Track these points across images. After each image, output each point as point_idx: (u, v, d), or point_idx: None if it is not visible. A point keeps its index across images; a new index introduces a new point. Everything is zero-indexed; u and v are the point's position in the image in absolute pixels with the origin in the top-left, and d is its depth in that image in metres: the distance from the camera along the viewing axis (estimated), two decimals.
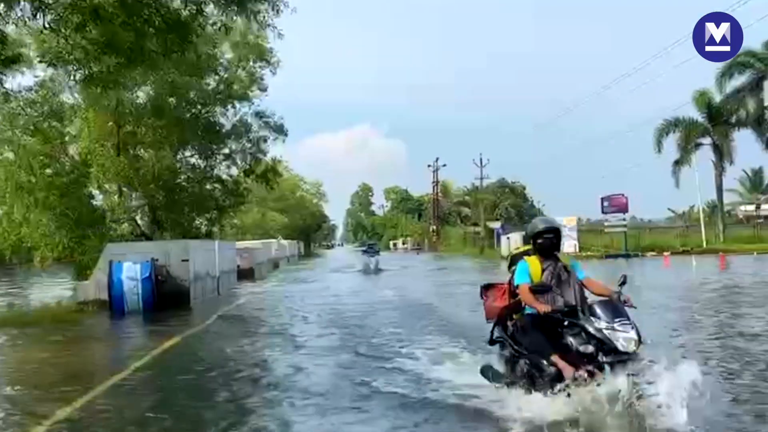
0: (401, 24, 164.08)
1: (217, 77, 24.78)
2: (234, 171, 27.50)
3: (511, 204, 66.57)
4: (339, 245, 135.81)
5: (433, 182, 64.78)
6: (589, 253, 30.94)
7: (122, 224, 20.70)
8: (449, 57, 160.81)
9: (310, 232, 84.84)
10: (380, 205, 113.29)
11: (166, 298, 13.87)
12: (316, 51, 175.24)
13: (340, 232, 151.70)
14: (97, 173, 18.81)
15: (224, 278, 18.86)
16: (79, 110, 19.68)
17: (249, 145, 27.15)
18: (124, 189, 22.34)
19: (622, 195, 30.74)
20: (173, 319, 12.12)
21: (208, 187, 27.21)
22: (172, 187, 22.77)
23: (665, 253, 29.59)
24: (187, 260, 14.49)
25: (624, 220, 30.65)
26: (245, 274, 25.51)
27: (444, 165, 64.15)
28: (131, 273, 13.26)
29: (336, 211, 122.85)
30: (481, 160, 53.37)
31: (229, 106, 25.84)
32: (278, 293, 19.10)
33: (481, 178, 54.07)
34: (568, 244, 31.74)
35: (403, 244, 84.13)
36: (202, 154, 26.07)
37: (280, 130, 27.03)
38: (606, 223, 31.04)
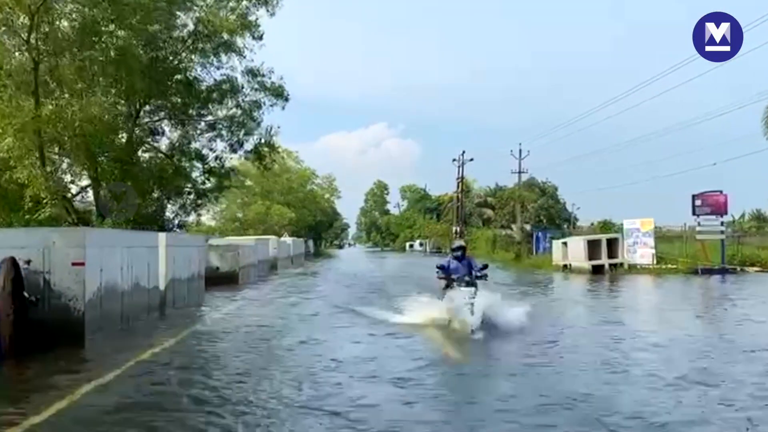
0: (417, 25, 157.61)
1: (194, 15, 18.65)
2: (220, 145, 21.31)
3: (541, 205, 59.98)
4: (350, 245, 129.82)
5: (458, 178, 57.58)
6: (669, 266, 24.07)
7: (45, 205, 14.46)
8: (466, 58, 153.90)
9: (320, 229, 78.72)
10: (396, 204, 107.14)
11: (39, 331, 7.76)
12: (330, 51, 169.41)
13: (352, 232, 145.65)
14: None
15: (178, 289, 12.58)
16: None
17: (238, 111, 20.96)
18: (55, 156, 16.23)
19: (720, 192, 23.89)
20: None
21: (184, 163, 21.10)
22: (122, 157, 16.58)
23: None
24: (81, 263, 8.22)
25: (722, 224, 23.84)
26: (228, 279, 19.30)
27: (471, 159, 56.75)
28: None
29: (348, 212, 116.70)
30: (520, 151, 45.38)
31: (211, 56, 19.68)
32: (253, 328, 10.17)
33: (520, 172, 46.27)
34: (642, 253, 24.95)
35: (420, 245, 77.67)
36: (174, 118, 19.91)
37: (278, 94, 20.76)
38: (698, 228, 24.14)
